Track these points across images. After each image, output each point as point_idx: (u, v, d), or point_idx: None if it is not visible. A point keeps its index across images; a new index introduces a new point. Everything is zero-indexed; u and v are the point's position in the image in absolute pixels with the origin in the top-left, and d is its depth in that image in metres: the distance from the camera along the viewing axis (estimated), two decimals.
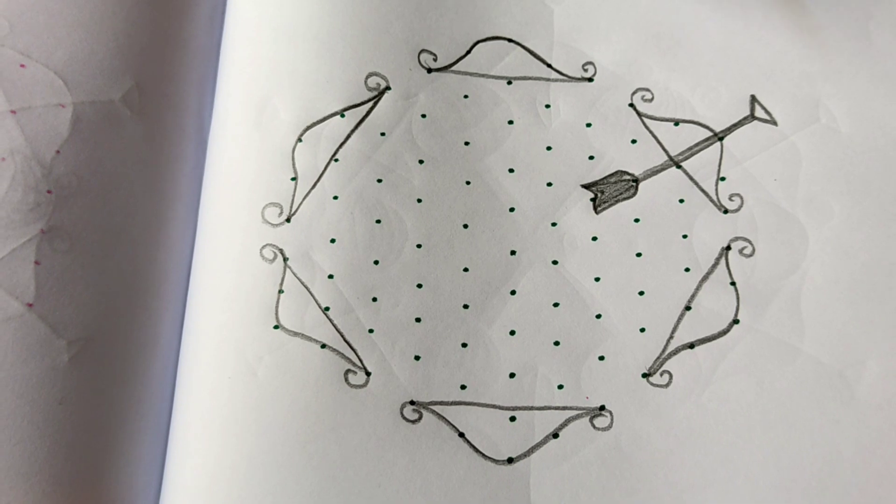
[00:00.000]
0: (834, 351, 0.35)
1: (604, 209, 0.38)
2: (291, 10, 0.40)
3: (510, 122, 0.39)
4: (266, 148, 0.38)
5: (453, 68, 0.40)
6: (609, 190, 0.38)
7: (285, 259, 0.36)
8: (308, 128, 0.38)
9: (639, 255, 0.37)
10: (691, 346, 0.36)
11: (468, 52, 0.40)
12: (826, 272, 0.36)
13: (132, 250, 0.37)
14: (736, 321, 0.36)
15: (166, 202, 0.38)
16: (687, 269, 0.37)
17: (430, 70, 0.40)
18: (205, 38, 0.42)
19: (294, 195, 0.37)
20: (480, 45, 0.40)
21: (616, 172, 0.38)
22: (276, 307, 0.36)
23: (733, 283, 0.36)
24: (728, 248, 0.37)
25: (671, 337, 0.36)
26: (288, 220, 0.37)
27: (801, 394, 0.35)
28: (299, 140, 0.38)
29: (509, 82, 0.39)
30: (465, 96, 0.39)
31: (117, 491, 0.34)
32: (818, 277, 0.36)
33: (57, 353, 0.34)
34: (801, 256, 0.36)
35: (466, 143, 0.39)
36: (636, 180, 0.38)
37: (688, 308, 0.36)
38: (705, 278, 0.36)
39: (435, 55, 0.40)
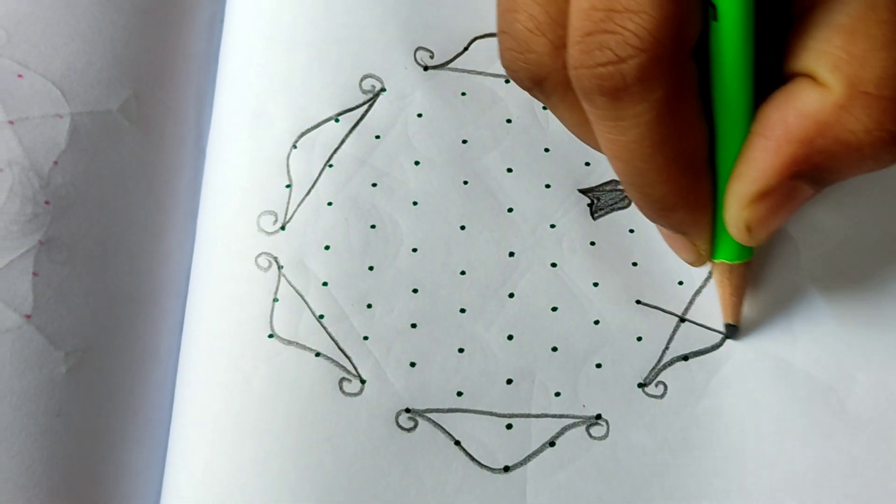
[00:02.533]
0: (825, 365, 0.34)
1: (600, 216, 0.37)
2: (288, 17, 0.39)
3: (508, 121, 0.38)
4: (262, 156, 0.38)
5: (450, 66, 0.39)
6: (605, 198, 0.37)
7: (280, 267, 0.36)
8: (303, 134, 0.38)
9: (635, 264, 0.36)
10: (685, 357, 0.35)
11: (465, 48, 0.39)
12: (818, 287, 0.35)
13: (130, 261, 0.37)
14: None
15: (165, 212, 0.39)
16: (681, 283, 0.36)
17: (426, 68, 0.39)
18: (203, 47, 0.42)
19: (289, 202, 0.37)
20: (478, 41, 0.39)
21: (611, 181, 0.37)
22: (271, 316, 0.36)
23: None
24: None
25: (666, 348, 0.35)
26: (283, 227, 0.37)
27: (792, 407, 0.34)
28: (294, 147, 0.38)
29: (507, 80, 0.38)
30: (463, 93, 0.39)
31: (115, 502, 0.35)
32: (810, 292, 0.35)
33: (54, 364, 0.35)
34: (792, 271, 0.35)
35: (464, 142, 0.38)
36: None
37: (682, 320, 0.35)
38: (698, 292, 0.36)
39: (431, 52, 0.39)
